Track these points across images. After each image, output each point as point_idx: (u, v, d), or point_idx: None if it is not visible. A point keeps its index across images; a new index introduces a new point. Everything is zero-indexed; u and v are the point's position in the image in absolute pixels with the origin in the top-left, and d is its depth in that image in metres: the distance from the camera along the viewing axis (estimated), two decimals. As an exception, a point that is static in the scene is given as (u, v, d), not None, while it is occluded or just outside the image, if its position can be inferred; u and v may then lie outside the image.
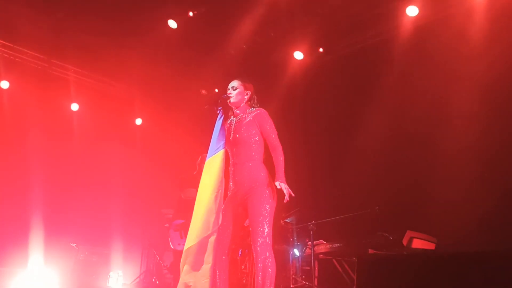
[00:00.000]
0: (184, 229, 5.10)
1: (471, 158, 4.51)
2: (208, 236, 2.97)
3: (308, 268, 4.96)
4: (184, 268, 3.00)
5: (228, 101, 3.29)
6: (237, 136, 3.22)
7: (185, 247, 3.00)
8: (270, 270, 2.93)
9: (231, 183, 3.22)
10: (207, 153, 5.49)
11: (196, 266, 2.97)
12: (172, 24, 5.76)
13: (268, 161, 3.25)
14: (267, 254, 2.96)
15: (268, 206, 3.06)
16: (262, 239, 2.97)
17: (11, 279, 5.27)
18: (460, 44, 4.80)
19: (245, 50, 6.32)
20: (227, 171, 3.21)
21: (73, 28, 5.92)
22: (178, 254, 4.97)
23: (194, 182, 5.23)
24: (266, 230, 2.99)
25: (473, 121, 4.62)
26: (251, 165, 3.16)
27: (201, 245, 2.98)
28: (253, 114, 3.25)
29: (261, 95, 3.45)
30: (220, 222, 2.99)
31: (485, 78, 4.60)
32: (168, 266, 6.20)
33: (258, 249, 2.96)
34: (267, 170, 3.20)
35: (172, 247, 5.30)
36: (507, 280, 2.04)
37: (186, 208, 5.06)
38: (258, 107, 3.34)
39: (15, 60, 6.31)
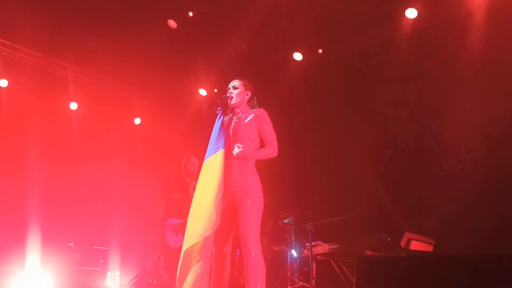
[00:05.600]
0: (179, 229, 5.09)
1: (470, 160, 4.52)
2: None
3: (306, 269, 4.96)
4: (181, 268, 2.99)
5: (228, 101, 3.29)
6: (234, 135, 3.22)
7: (186, 246, 2.99)
8: (260, 273, 2.96)
9: None
10: (193, 154, 5.52)
11: (192, 266, 2.96)
12: (172, 24, 5.75)
13: (260, 163, 3.26)
14: (257, 257, 2.98)
15: (256, 211, 3.08)
16: (251, 243, 3.00)
17: (8, 279, 5.25)
18: (459, 46, 4.81)
19: (245, 51, 6.32)
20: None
21: (72, 27, 5.91)
22: (174, 251, 4.98)
23: (178, 185, 5.26)
24: (255, 234, 3.03)
25: (472, 122, 4.63)
26: (242, 167, 3.16)
27: (199, 245, 2.97)
28: (253, 115, 3.25)
29: (260, 96, 3.45)
30: (219, 221, 2.99)
31: (485, 80, 4.61)
32: (164, 266, 6.19)
33: (247, 254, 3.00)
34: (257, 173, 3.22)
35: (170, 244, 5.25)
36: (506, 282, 2.04)
37: (177, 206, 5.07)
38: (258, 107, 3.35)
39: (14, 59, 6.29)
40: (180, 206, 5.11)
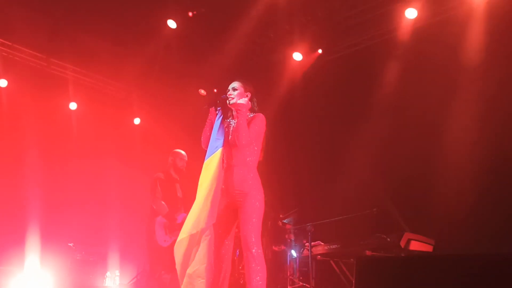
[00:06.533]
0: (168, 226, 5.07)
1: (469, 161, 4.51)
2: (202, 234, 2.97)
3: (306, 269, 4.96)
4: (180, 263, 3.00)
5: (228, 102, 3.29)
6: (234, 139, 3.22)
7: (178, 239, 3.03)
8: (260, 273, 2.96)
9: (222, 185, 3.19)
10: (180, 150, 5.50)
11: (192, 265, 2.96)
12: (172, 24, 5.76)
13: (260, 163, 3.26)
14: (257, 259, 2.98)
15: (257, 212, 3.08)
16: (252, 246, 2.99)
17: (8, 279, 5.25)
18: (459, 47, 4.81)
19: (244, 51, 6.32)
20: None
21: (71, 27, 5.91)
22: (162, 250, 4.99)
23: (166, 186, 5.22)
24: (256, 236, 3.03)
25: (472, 123, 4.63)
26: (243, 169, 3.16)
27: (194, 243, 2.97)
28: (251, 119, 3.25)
29: (259, 96, 3.45)
30: (212, 220, 2.99)
31: (485, 81, 4.61)
32: (150, 264, 6.15)
33: (248, 255, 3.00)
34: (259, 176, 3.21)
35: (159, 243, 5.19)
36: (506, 282, 2.05)
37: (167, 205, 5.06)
38: (257, 109, 3.34)
39: (13, 59, 6.29)
40: (169, 204, 5.11)
